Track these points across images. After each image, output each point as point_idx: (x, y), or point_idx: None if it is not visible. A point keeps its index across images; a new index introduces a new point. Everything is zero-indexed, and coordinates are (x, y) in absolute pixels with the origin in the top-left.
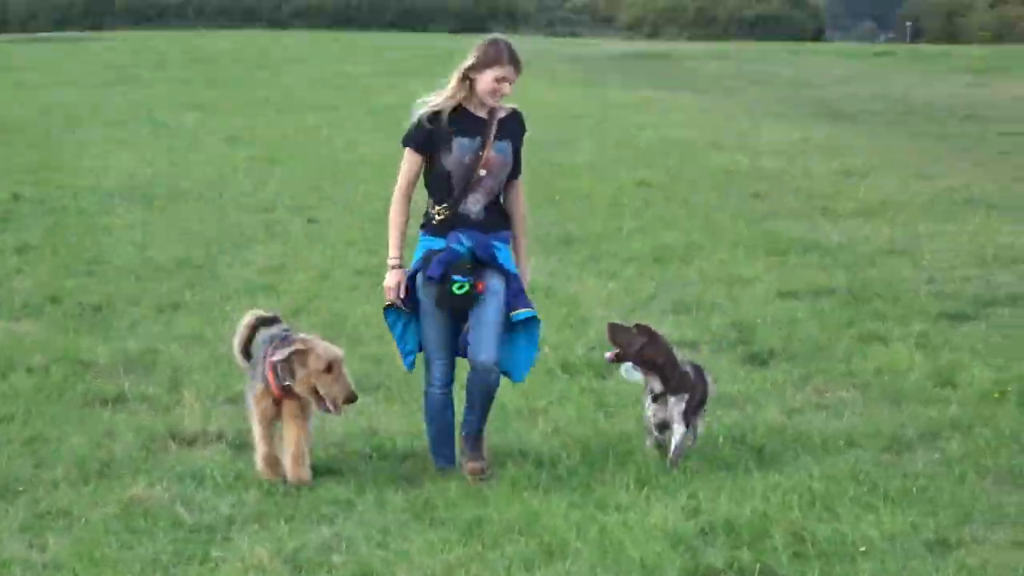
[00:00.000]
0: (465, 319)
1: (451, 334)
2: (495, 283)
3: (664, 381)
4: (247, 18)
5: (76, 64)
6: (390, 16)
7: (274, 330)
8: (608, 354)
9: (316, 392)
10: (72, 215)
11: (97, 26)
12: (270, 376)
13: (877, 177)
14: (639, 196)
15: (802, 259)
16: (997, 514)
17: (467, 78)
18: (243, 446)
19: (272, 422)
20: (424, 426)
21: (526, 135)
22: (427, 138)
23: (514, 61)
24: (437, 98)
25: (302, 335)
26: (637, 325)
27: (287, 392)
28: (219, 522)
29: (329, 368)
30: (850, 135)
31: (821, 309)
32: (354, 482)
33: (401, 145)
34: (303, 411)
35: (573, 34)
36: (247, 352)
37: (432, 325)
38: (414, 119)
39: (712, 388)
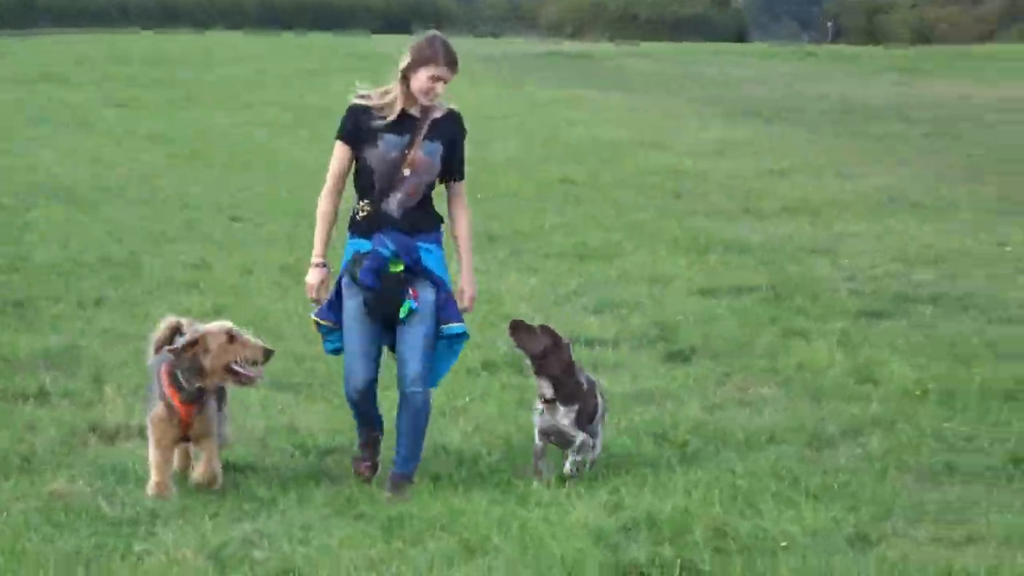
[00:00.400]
0: (391, 326)
1: (373, 339)
2: (426, 294)
3: (556, 388)
4: (170, 19)
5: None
6: (312, 16)
7: (159, 358)
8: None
9: (231, 369)
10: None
11: (18, 27)
12: (171, 393)
13: (799, 176)
14: (563, 194)
15: (724, 257)
16: (918, 510)
17: (404, 77)
18: None
19: (173, 447)
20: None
21: (465, 137)
22: (355, 131)
23: (450, 60)
24: (375, 95)
25: (180, 339)
26: (542, 327)
27: (196, 401)
28: (142, 516)
29: (231, 338)
30: (773, 135)
31: (742, 306)
32: (276, 479)
33: (336, 140)
34: (210, 428)
35: (494, 34)
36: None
37: (354, 330)
38: (345, 114)
39: (602, 407)
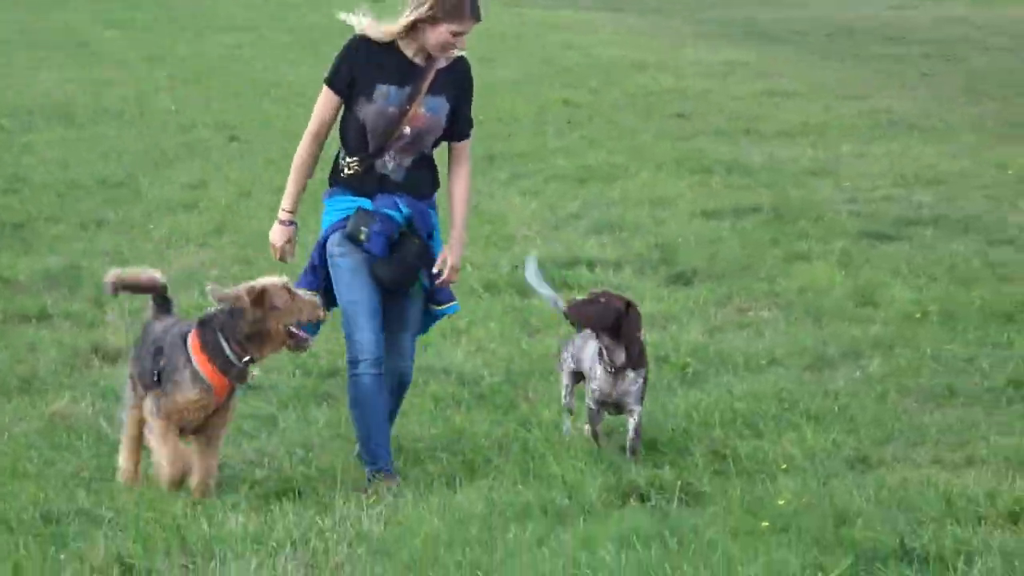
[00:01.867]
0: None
1: (378, 297)
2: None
3: (628, 354)
4: None
5: None
6: None
7: (166, 322)
8: (569, 308)
9: (291, 332)
10: None
11: None
12: (207, 368)
13: (801, 98)
14: (563, 115)
15: (725, 179)
16: (918, 433)
17: (415, 26)
18: None
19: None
20: (352, 418)
21: (473, 89)
22: (350, 78)
23: (476, 13)
24: (371, 28)
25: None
26: (603, 293)
27: (242, 377)
28: None
29: (292, 294)
30: (775, 57)
31: (744, 229)
32: (277, 399)
33: (323, 82)
34: (230, 417)
35: None
36: (117, 291)
37: (357, 287)
38: (342, 52)
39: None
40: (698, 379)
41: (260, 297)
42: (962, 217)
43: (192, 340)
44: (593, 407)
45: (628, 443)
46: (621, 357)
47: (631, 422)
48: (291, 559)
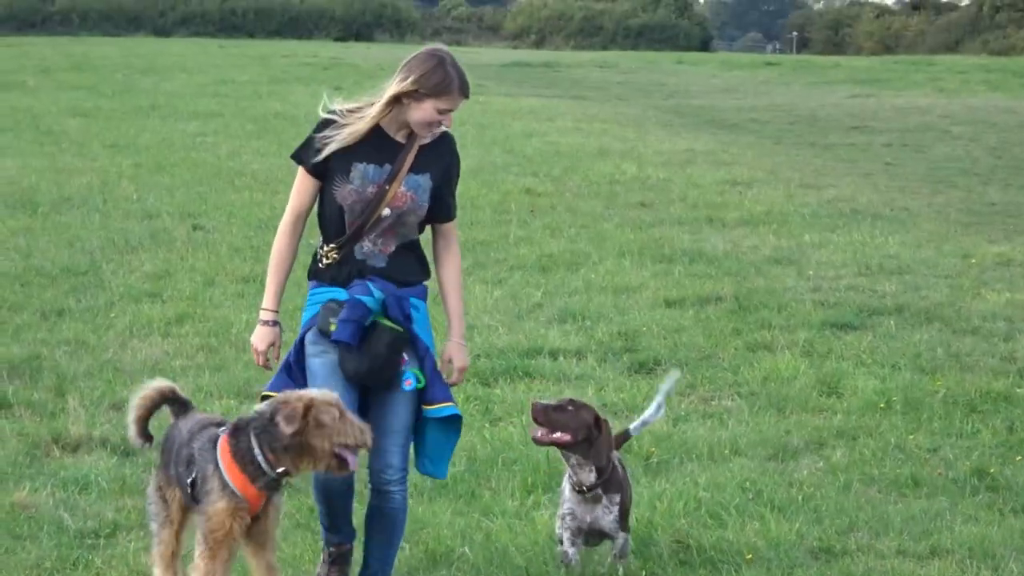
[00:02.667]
0: (367, 392)
1: (356, 403)
2: (414, 364)
3: (599, 473)
4: (131, 26)
5: None
6: (275, 24)
7: (191, 422)
8: (537, 433)
9: (336, 453)
10: None
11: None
12: (237, 479)
13: (763, 187)
14: (526, 203)
15: (688, 268)
16: (881, 523)
17: (397, 100)
18: (128, 452)
19: (232, 556)
20: (315, 504)
21: (459, 168)
22: (322, 159)
23: (465, 90)
24: (354, 120)
25: (259, 407)
26: (570, 400)
27: (275, 488)
28: (104, 528)
29: (342, 412)
30: (736, 145)
31: (707, 317)
32: None
33: (293, 161)
34: (275, 525)
35: (458, 43)
36: (145, 432)
37: (332, 390)
38: (312, 132)
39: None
40: (662, 468)
41: (307, 410)
42: (925, 306)
43: (222, 446)
44: (567, 541)
45: (614, 558)
46: (591, 478)
47: (614, 549)
48: None
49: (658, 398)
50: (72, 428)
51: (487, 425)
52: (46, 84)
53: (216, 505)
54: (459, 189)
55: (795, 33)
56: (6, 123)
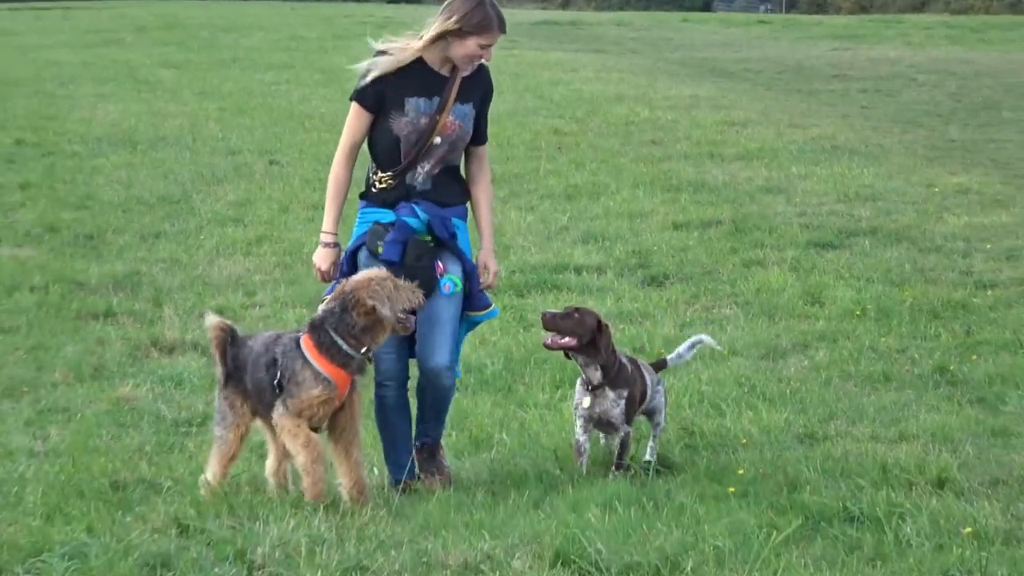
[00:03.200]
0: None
1: None
2: (455, 272)
3: (604, 373)
4: None
5: (67, 29)
6: None
7: (264, 335)
8: (547, 340)
9: (399, 318)
10: (67, 158)
11: None
12: (325, 366)
13: (756, 127)
14: (553, 142)
15: (692, 196)
16: (857, 412)
17: (441, 38)
18: None
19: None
20: (377, 431)
21: (493, 95)
22: (378, 95)
23: (503, 26)
24: (398, 49)
25: (324, 306)
26: (576, 308)
27: (360, 370)
28: (195, 418)
29: (395, 283)
30: (733, 91)
31: (708, 238)
32: None
33: (349, 100)
34: (359, 410)
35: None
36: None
37: None
38: (364, 69)
39: (659, 392)
40: (670, 367)
41: (367, 290)
42: (895, 228)
43: (306, 343)
44: (580, 430)
45: (615, 459)
46: (597, 376)
47: (618, 440)
48: (323, 521)
49: (694, 338)
50: (167, 333)
51: (521, 330)
52: (142, 41)
53: (310, 392)
54: (496, 129)
55: None
56: (108, 74)
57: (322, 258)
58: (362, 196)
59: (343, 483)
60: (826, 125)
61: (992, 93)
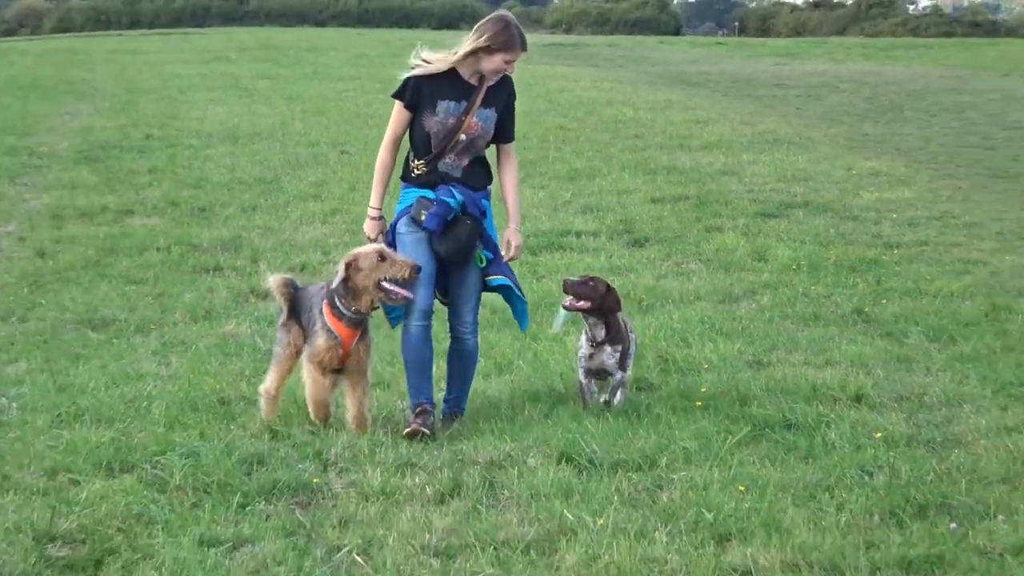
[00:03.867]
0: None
1: (433, 263)
2: (482, 247)
3: (608, 330)
4: (299, 19)
5: (186, 49)
6: (394, 17)
7: (311, 290)
8: (565, 302)
9: (381, 286)
10: (185, 149)
11: (200, 24)
12: (333, 322)
13: (715, 124)
14: (559, 135)
15: (666, 177)
16: (793, 344)
17: (474, 54)
18: None
19: (331, 379)
20: (403, 361)
21: (515, 100)
22: (415, 96)
23: (525, 44)
24: (436, 60)
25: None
26: (592, 277)
27: (357, 326)
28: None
29: (382, 256)
30: (698, 96)
31: (679, 210)
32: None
33: (392, 97)
34: (366, 361)
35: None
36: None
37: (417, 257)
38: (406, 74)
39: (634, 341)
40: (650, 309)
41: (349, 264)
42: (822, 202)
43: (324, 304)
44: (582, 376)
45: (609, 396)
46: (601, 333)
47: (613, 382)
48: (381, 428)
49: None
50: (262, 283)
51: (535, 281)
52: (243, 58)
53: (319, 339)
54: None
55: (736, 23)
56: (217, 84)
57: (371, 228)
58: (403, 178)
59: (349, 411)
60: (769, 122)
61: (896, 97)
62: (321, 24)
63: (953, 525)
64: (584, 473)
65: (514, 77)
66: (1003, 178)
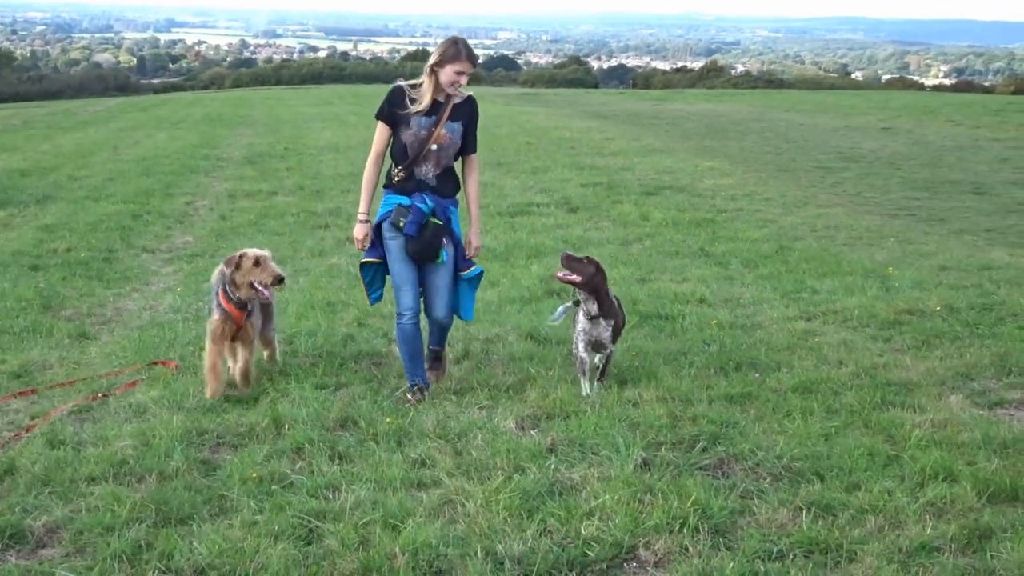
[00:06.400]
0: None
1: (414, 270)
2: (448, 248)
3: (600, 306)
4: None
5: (307, 97)
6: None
7: (215, 273)
8: (559, 274)
9: (252, 285)
10: (307, 156)
11: (316, 82)
12: (225, 303)
13: (618, 140)
14: (527, 147)
15: (590, 172)
16: (664, 269)
17: (433, 71)
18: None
19: (223, 346)
20: (399, 351)
21: (479, 118)
22: (392, 114)
23: (471, 57)
24: (416, 91)
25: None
26: (586, 257)
27: (243, 308)
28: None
29: (257, 262)
30: (608, 124)
31: (598, 191)
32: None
33: (375, 118)
34: (250, 335)
35: (495, 84)
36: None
37: (399, 262)
38: (385, 97)
39: (625, 317)
40: (579, 249)
41: (238, 261)
42: (681, 185)
43: (220, 288)
44: (582, 349)
45: (600, 368)
46: (594, 308)
47: (604, 355)
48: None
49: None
50: (351, 235)
51: (512, 232)
52: (341, 102)
53: (215, 315)
54: (501, 141)
55: (631, 80)
56: (326, 118)
57: (359, 230)
58: (385, 186)
59: (232, 368)
60: (650, 139)
61: (726, 125)
62: (389, 81)
63: (756, 375)
64: (541, 345)
65: (496, 112)
66: (786, 171)
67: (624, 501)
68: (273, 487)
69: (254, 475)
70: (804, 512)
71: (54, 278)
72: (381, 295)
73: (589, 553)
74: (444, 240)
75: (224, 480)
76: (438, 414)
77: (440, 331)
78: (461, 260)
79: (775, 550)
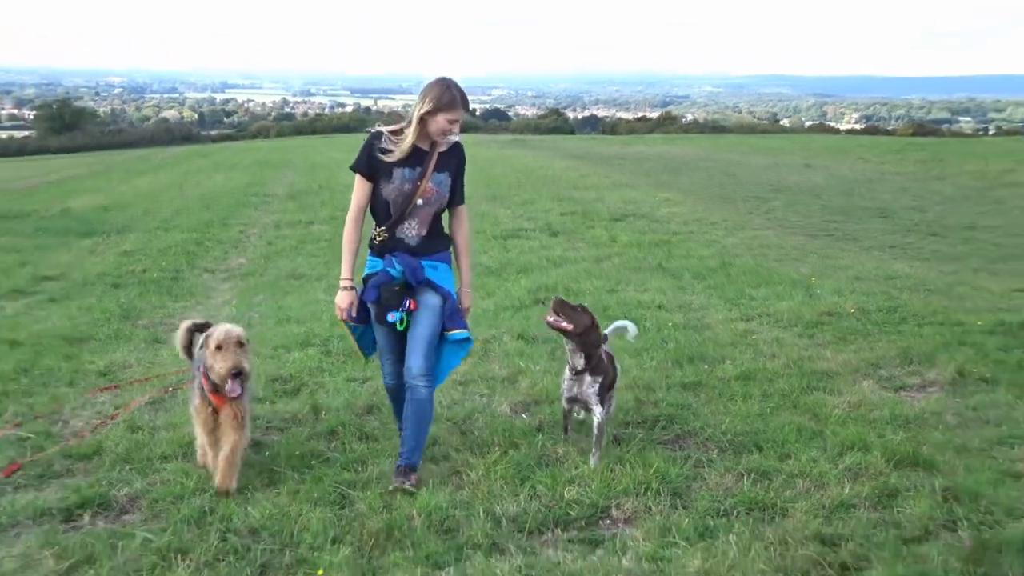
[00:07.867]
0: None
1: (396, 338)
2: (431, 299)
3: (588, 360)
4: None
5: (331, 145)
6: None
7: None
8: (549, 319)
9: (212, 368)
10: (337, 192)
11: (343, 132)
12: (204, 383)
13: (589, 176)
14: (517, 183)
15: (567, 202)
16: (629, 282)
17: (422, 120)
18: None
19: (213, 430)
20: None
21: (466, 165)
22: (371, 166)
23: (465, 104)
24: (399, 139)
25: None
26: (580, 306)
27: (218, 392)
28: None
29: (219, 347)
30: (582, 164)
31: (575, 219)
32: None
33: (351, 170)
34: (239, 419)
35: (488, 132)
36: (189, 352)
37: (379, 332)
38: (362, 147)
39: (618, 372)
40: (560, 266)
41: (206, 338)
42: (643, 213)
43: (202, 369)
44: (564, 403)
45: (595, 436)
46: (580, 362)
47: (594, 420)
48: None
49: (624, 324)
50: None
51: (504, 251)
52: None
53: (196, 398)
54: (496, 178)
55: (601, 127)
56: (343, 162)
57: (342, 299)
58: (369, 247)
59: (211, 460)
60: (617, 176)
61: (680, 165)
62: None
63: (706, 366)
64: (531, 344)
65: (488, 155)
66: (728, 201)
67: (599, 470)
68: (312, 462)
69: (297, 452)
70: (745, 477)
71: (132, 294)
72: (375, 349)
73: (571, 513)
74: (407, 301)
75: (273, 457)
76: (446, 400)
77: (415, 415)
78: (448, 319)
79: (722, 508)
